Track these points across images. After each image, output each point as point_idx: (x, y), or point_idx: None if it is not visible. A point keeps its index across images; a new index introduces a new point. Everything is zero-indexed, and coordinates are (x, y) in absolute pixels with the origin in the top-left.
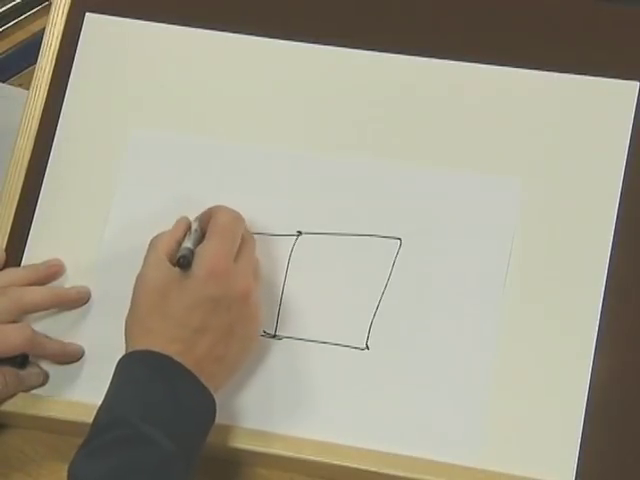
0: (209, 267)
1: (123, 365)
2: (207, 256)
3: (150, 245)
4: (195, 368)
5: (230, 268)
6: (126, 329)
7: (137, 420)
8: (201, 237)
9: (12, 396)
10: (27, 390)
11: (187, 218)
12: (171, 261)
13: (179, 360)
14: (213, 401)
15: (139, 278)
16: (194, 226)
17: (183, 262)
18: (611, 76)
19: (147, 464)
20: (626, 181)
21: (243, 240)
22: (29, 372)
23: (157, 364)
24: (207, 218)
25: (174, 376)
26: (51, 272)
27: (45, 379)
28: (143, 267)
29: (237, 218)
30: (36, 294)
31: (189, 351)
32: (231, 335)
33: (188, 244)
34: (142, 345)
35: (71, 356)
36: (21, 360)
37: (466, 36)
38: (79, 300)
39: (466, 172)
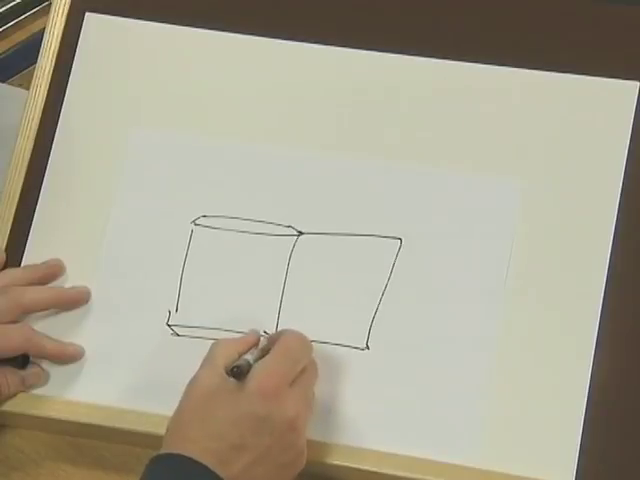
0: (262, 384)
1: (153, 467)
2: (263, 372)
3: (210, 349)
4: None
5: (283, 390)
6: (167, 430)
7: None
8: (265, 355)
9: (13, 396)
10: (28, 390)
11: (257, 333)
12: (227, 371)
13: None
14: None
15: (191, 381)
16: (262, 343)
17: (237, 372)
18: (611, 76)
19: None
20: (626, 181)
21: (305, 368)
22: (30, 372)
23: (191, 472)
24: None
25: None
26: (51, 272)
27: (46, 378)
28: (198, 370)
29: (305, 344)
30: (36, 294)
31: (223, 466)
32: (269, 460)
33: (248, 356)
34: (176, 450)
35: (71, 357)
36: (22, 360)
37: (466, 36)
38: (79, 300)
39: (466, 172)
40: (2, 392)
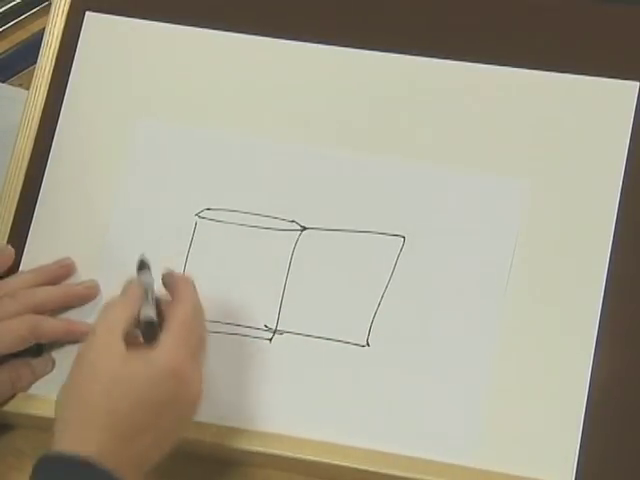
0: (171, 363)
1: (45, 470)
2: (170, 349)
3: (105, 313)
4: (125, 467)
5: (189, 367)
6: (60, 414)
7: None
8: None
9: (27, 388)
10: (40, 378)
11: (139, 284)
12: (140, 329)
13: (109, 461)
14: None
15: (89, 355)
16: (149, 292)
17: (148, 333)
18: (611, 76)
19: None
20: (626, 181)
21: (201, 337)
22: (37, 361)
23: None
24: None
25: None
26: (62, 272)
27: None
28: (96, 339)
29: (201, 313)
30: (46, 294)
31: (124, 449)
32: (169, 436)
33: (149, 312)
34: (74, 441)
35: (84, 333)
36: (36, 348)
37: (467, 36)
38: (89, 295)
39: (467, 171)
40: (15, 386)
